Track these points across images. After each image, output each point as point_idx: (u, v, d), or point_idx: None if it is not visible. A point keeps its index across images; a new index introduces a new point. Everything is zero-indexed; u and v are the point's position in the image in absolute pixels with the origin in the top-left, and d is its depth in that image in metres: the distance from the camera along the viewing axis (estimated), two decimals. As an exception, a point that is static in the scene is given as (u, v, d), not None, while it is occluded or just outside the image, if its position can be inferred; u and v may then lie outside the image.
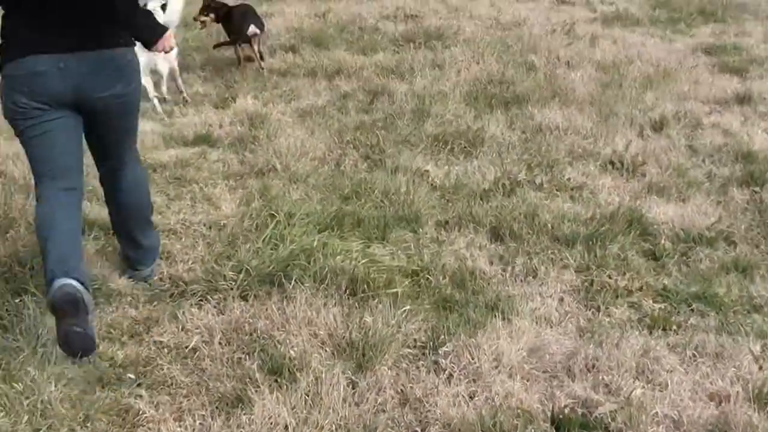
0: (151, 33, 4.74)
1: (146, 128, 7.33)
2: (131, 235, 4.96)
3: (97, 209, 5.70)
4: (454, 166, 6.73)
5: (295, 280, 4.77)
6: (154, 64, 8.06)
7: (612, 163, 6.86)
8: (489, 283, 5.04)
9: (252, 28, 9.35)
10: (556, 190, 6.30)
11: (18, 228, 5.34)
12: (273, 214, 5.52)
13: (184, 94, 8.55)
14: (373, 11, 11.92)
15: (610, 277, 5.11)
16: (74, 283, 4.09)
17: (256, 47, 9.53)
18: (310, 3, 12.33)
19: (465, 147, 7.08)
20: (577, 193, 6.29)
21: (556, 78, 9.02)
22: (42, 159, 4.42)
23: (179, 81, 8.60)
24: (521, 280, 5.12)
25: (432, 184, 6.34)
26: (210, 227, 5.60)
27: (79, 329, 4.08)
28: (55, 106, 4.29)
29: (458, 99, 8.26)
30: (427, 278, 5.00)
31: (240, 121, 7.72)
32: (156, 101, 8.18)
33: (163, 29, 4.79)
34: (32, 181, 4.69)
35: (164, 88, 8.52)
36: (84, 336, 4.11)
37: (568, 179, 6.49)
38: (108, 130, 4.59)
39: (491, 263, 5.29)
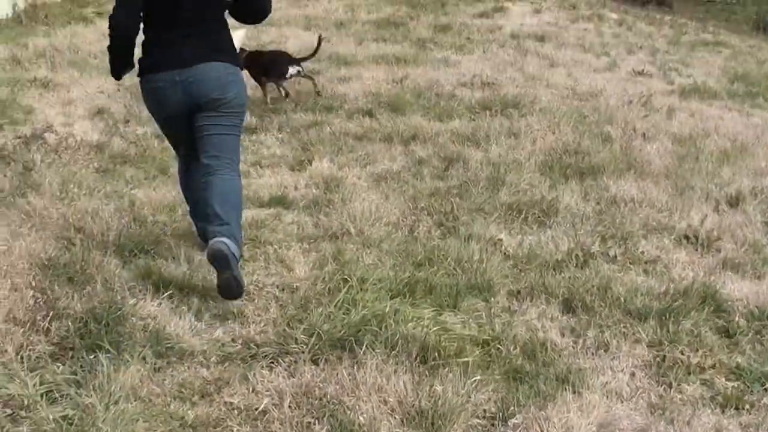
0: None
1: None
2: (215, 211, 5.43)
3: (171, 267, 5.78)
4: (528, 236, 6.73)
5: (366, 346, 4.78)
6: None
7: (687, 237, 6.81)
8: (560, 355, 5.01)
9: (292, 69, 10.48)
10: (630, 263, 6.26)
11: (95, 284, 5.41)
12: (346, 279, 5.55)
13: None
14: (450, 78, 11.98)
15: (682, 353, 5.06)
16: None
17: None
18: (388, 68, 12.41)
19: (539, 216, 7.08)
20: (651, 266, 6.25)
21: (631, 150, 9.00)
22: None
23: None
24: (592, 353, 5.08)
25: (505, 253, 6.34)
26: (283, 289, 5.64)
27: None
28: None
29: (533, 168, 8.27)
30: (498, 348, 4.99)
31: (315, 184, 7.78)
32: None
33: None
34: (109, 238, 5.79)
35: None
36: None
37: (642, 252, 6.45)
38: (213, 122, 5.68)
39: (563, 335, 5.26)
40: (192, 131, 5.69)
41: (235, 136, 5.82)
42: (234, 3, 5.74)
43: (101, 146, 8.54)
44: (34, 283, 5.30)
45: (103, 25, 12.72)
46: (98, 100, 10.21)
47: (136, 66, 5.75)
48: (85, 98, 10.26)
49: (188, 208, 6.25)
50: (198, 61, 5.53)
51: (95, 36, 13.79)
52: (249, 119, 9.94)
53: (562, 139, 9.15)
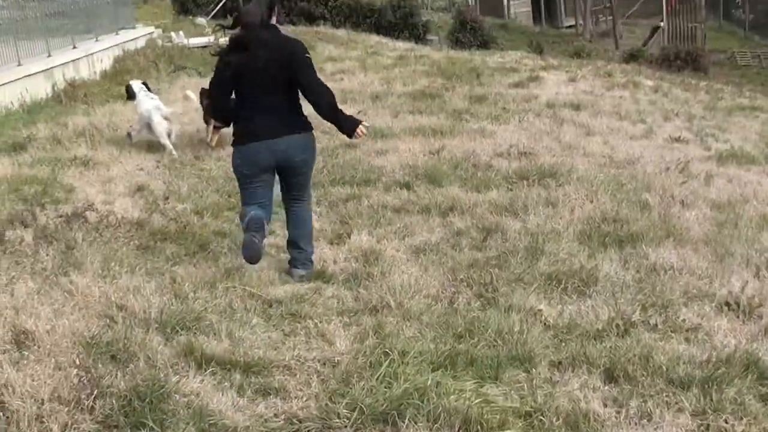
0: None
1: (262, 264, 7.47)
2: (296, 240, 7.61)
3: (213, 343, 5.81)
4: (568, 305, 6.71)
5: (408, 420, 4.77)
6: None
7: (728, 304, 6.77)
8: (603, 426, 4.98)
9: None
10: (671, 332, 6.22)
11: (138, 362, 5.45)
12: (387, 352, 5.55)
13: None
14: (486, 148, 12.03)
15: (726, 422, 5.01)
16: (262, 213, 7.23)
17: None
18: (425, 139, 12.49)
19: (578, 286, 7.06)
20: (693, 334, 6.21)
21: (670, 217, 8.98)
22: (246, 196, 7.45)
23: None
24: (635, 423, 5.04)
25: (545, 324, 6.32)
26: (324, 364, 5.65)
27: (256, 240, 7.04)
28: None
29: (572, 237, 8.26)
30: (541, 420, 4.96)
31: (354, 258, 7.82)
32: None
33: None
34: (151, 315, 6.04)
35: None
36: (257, 247, 7.07)
37: (683, 320, 6.41)
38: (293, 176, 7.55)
39: (605, 405, 5.23)
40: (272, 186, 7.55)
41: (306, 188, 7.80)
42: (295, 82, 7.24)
43: (141, 223, 8.62)
44: (77, 362, 5.35)
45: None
46: (138, 178, 10.34)
47: None
48: (124, 176, 10.39)
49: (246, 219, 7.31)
50: (281, 132, 7.25)
51: (133, 114, 13.97)
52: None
53: (600, 208, 9.15)
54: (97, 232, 8.15)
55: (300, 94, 7.36)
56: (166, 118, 12.04)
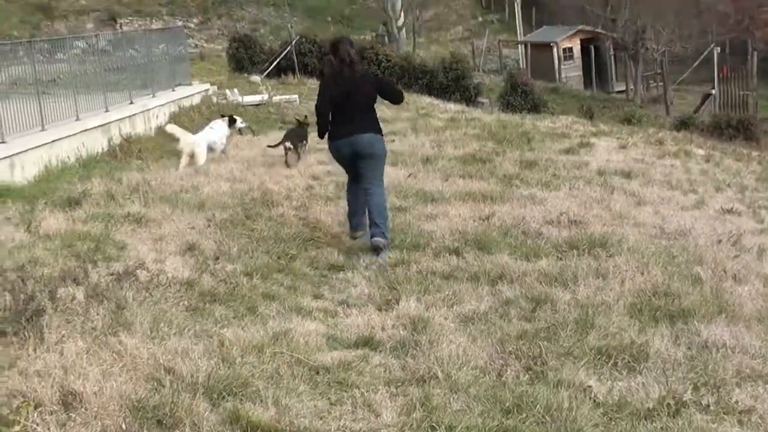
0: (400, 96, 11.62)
1: (309, 328, 7.47)
2: (373, 219, 10.50)
3: (260, 410, 5.79)
4: (618, 382, 6.63)
5: (454, 497, 4.72)
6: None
7: (782, 386, 6.67)
8: None
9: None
10: (724, 413, 6.12)
11: (183, 427, 5.44)
12: (434, 426, 5.51)
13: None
14: (536, 215, 11.97)
15: None
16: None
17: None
18: (474, 205, 12.45)
19: (629, 362, 6.98)
20: (746, 417, 6.11)
21: (722, 292, 8.88)
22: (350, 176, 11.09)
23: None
24: None
25: (595, 401, 6.25)
26: (371, 435, 5.62)
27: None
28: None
29: (622, 311, 8.18)
30: (589, 501, 4.89)
31: (402, 325, 7.77)
32: None
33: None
34: (198, 379, 6.05)
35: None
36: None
37: (736, 402, 6.30)
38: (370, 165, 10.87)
39: (655, 488, 5.15)
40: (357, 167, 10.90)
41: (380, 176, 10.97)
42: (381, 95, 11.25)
43: (191, 283, 8.64)
44: (124, 426, 5.35)
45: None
46: (189, 236, 10.37)
47: None
48: (176, 234, 10.43)
49: (347, 209, 11.27)
50: (363, 132, 10.75)
51: (187, 170, 14.09)
52: (336, 256, 10.07)
53: (651, 281, 9.05)
54: (147, 292, 8.17)
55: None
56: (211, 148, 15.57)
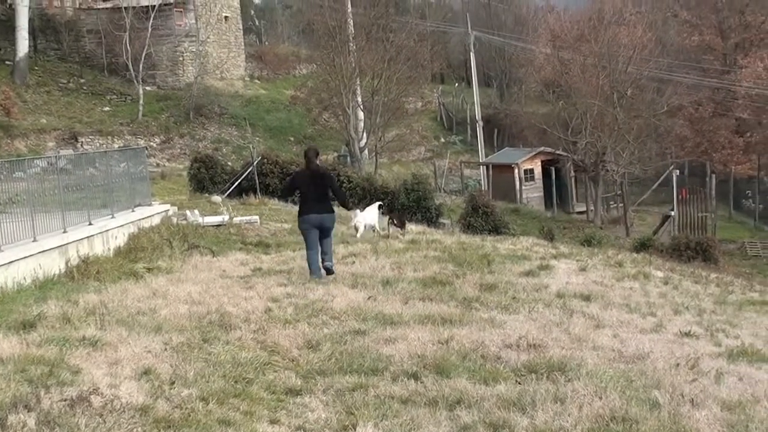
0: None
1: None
2: (325, 259, 16.60)
3: None
4: None
5: None
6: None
7: None
8: None
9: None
10: None
11: None
12: None
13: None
14: (495, 339, 11.96)
15: None
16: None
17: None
18: (434, 328, 12.43)
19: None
20: None
21: (680, 417, 8.86)
22: (308, 243, 16.74)
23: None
24: None
25: None
26: None
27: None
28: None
29: (580, 437, 8.16)
30: None
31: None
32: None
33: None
34: None
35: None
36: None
37: None
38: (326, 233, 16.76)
39: None
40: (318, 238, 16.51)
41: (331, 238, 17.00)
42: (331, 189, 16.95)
43: (146, 409, 8.54)
44: None
45: (153, 281, 13.07)
46: (145, 360, 10.27)
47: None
48: (132, 358, 10.32)
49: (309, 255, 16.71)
50: (322, 211, 16.53)
51: (145, 292, 14.05)
52: (294, 380, 10.00)
53: (609, 405, 9.03)
54: (101, 418, 8.07)
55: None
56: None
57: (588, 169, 54.60)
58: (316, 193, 16.63)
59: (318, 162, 17.37)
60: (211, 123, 61.29)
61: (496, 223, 36.37)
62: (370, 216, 24.04)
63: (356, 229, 23.28)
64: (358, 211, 24.18)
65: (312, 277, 16.34)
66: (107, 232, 19.83)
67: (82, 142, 53.46)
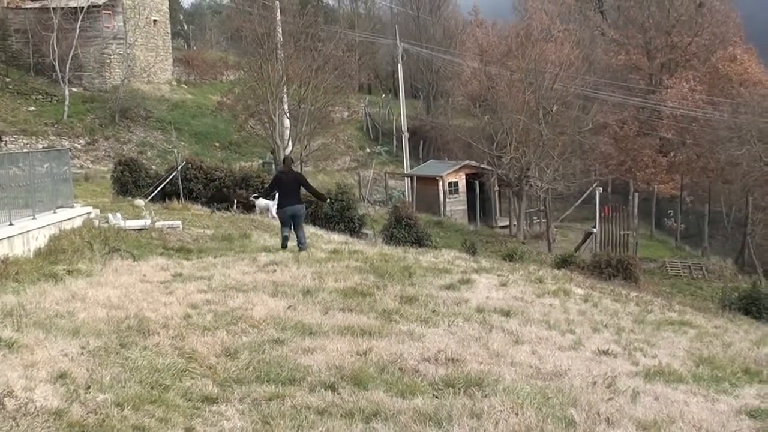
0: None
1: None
2: (299, 242, 22.63)
3: None
4: None
5: None
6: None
7: None
8: None
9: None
10: None
11: None
12: None
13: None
14: (414, 352, 11.99)
15: None
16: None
17: None
18: (353, 339, 12.42)
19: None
20: None
21: (595, 436, 8.96)
22: (283, 224, 23.35)
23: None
24: None
25: None
26: None
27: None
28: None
29: (494, 455, 8.19)
30: None
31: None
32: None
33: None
34: None
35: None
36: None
37: None
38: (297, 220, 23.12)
39: None
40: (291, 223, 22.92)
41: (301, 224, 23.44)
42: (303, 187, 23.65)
43: (60, 413, 8.45)
44: None
45: (73, 283, 12.89)
46: (61, 363, 10.14)
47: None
48: (48, 361, 10.18)
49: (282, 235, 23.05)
50: (294, 204, 22.88)
51: (64, 295, 13.86)
52: (211, 388, 9.93)
53: (525, 422, 9.09)
54: (14, 421, 7.98)
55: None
56: None
57: (512, 184, 54.96)
58: (292, 191, 22.98)
59: (293, 167, 25.03)
60: (136, 126, 60.83)
61: (419, 235, 36.45)
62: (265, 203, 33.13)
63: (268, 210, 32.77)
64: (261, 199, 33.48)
65: (281, 246, 22.51)
66: (28, 233, 19.50)
67: (5, 141, 52.65)
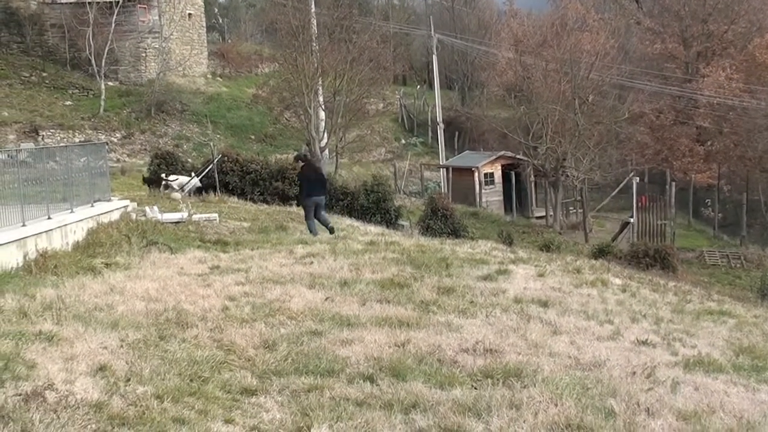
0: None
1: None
2: (325, 225, 25.54)
3: None
4: None
5: None
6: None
7: None
8: None
9: None
10: None
11: None
12: None
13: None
14: (452, 343, 11.97)
15: None
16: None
17: None
18: (391, 331, 12.41)
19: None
20: None
21: (635, 426, 8.90)
22: (308, 214, 25.59)
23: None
24: None
25: None
26: None
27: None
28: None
29: (535, 443, 8.16)
30: None
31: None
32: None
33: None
34: None
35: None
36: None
37: None
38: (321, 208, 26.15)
39: None
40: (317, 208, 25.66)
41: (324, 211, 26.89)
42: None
43: (100, 405, 8.48)
44: None
45: (111, 276, 12.96)
46: (101, 356, 10.19)
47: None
48: (88, 354, 10.23)
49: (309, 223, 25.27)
50: (323, 195, 26.07)
51: (102, 288, 13.94)
52: (250, 380, 9.95)
53: (565, 413, 9.06)
54: (55, 414, 8.02)
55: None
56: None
57: (548, 175, 54.79)
58: (320, 183, 25.88)
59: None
60: (172, 120, 61.02)
61: (455, 226, 36.39)
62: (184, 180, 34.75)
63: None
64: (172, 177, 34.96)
65: (312, 235, 24.33)
66: (66, 226, 19.63)
67: (43, 135, 53.07)
